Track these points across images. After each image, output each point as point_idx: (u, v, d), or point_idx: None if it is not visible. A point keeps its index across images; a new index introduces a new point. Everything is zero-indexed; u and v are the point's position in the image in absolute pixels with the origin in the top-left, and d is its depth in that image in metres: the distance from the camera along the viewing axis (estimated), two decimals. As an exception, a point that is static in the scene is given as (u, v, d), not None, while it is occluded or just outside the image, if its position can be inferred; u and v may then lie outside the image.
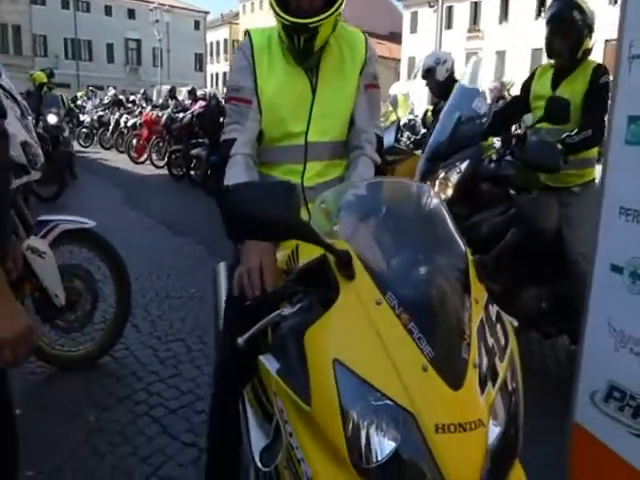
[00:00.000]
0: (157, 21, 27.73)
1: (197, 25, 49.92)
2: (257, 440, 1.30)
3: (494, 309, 1.13)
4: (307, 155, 1.63)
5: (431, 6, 33.71)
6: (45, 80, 9.67)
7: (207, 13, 53.14)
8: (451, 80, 4.17)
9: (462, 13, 35.30)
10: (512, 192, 3.04)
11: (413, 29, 38.20)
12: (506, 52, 32.07)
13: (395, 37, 43.13)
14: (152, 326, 3.49)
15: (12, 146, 2.71)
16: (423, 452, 0.91)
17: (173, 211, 7.41)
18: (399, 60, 40.69)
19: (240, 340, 1.17)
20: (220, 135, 1.69)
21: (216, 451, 1.67)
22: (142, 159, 12.16)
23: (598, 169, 2.67)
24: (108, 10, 44.69)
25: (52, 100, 9.03)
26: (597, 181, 2.97)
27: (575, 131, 2.84)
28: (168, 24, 29.91)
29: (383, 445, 0.92)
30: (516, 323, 1.20)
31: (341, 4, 1.50)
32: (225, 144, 1.62)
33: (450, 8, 35.85)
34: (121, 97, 16.76)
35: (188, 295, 4.09)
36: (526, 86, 3.25)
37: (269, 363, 1.16)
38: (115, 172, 11.18)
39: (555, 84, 3.05)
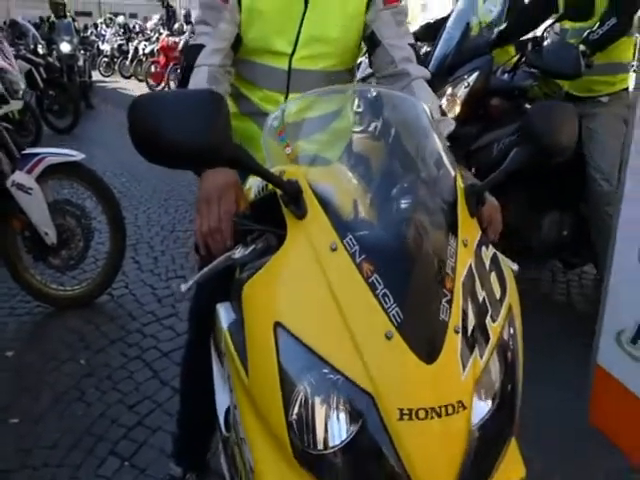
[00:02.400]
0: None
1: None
2: (221, 398, 1.13)
3: (489, 252, 0.89)
4: (290, 84, 1.34)
5: None
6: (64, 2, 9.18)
7: None
8: None
9: None
10: (528, 106, 2.71)
11: None
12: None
13: None
14: (154, 262, 3.35)
15: (-14, 73, 2.51)
16: (383, 443, 0.71)
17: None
18: None
19: (183, 287, 0.97)
20: None
21: (186, 400, 1.54)
22: (160, 86, 11.79)
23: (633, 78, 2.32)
24: None
25: (64, 28, 8.67)
26: (631, 89, 2.62)
27: (597, 25, 2.46)
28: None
29: (332, 432, 0.72)
30: (516, 267, 0.98)
31: None
32: (191, 50, 1.30)
33: None
34: (137, 22, 16.22)
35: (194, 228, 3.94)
36: None
37: (224, 313, 0.97)
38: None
39: None
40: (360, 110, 1.05)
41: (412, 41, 1.41)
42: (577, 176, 2.67)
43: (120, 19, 16.74)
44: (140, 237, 3.73)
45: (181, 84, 1.32)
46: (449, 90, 2.67)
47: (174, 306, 2.79)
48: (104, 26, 18.32)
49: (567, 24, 2.69)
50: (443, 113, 1.32)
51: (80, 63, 9.19)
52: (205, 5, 1.30)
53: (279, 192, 0.85)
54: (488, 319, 0.80)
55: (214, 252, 0.99)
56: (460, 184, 0.91)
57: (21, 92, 2.68)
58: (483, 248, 0.88)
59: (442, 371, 0.73)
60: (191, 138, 0.73)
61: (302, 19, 1.28)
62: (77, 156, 2.75)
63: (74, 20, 9.95)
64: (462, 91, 2.65)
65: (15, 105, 2.67)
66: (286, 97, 1.34)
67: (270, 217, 0.89)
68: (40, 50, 7.60)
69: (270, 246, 0.89)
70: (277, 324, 0.75)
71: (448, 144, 1.01)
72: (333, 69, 1.35)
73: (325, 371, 0.72)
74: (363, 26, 1.34)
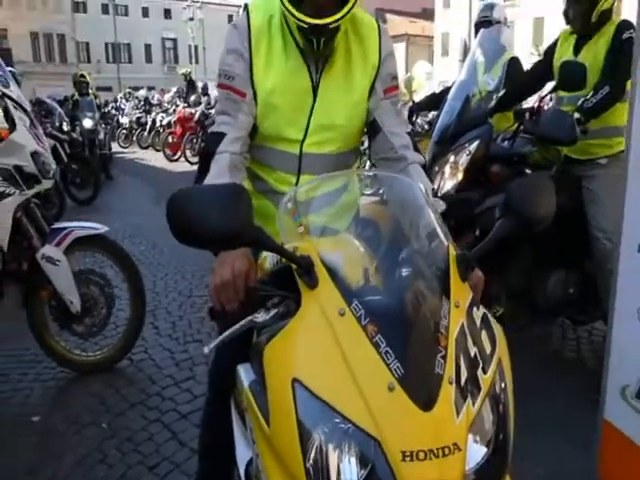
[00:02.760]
0: (191, 19, 28.01)
1: (230, 18, 50.13)
2: (242, 452, 1.22)
3: (480, 312, 1.01)
4: (301, 166, 1.48)
5: None
6: (87, 79, 9.79)
7: (239, 7, 53.39)
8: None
9: None
10: (528, 171, 2.86)
11: (446, 4, 37.55)
12: (544, 18, 30.89)
13: (428, 14, 42.46)
14: (172, 327, 3.49)
15: (22, 156, 2.75)
16: None
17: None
18: (432, 37, 39.97)
19: (206, 349, 1.08)
20: None
21: (205, 458, 1.62)
22: (176, 156, 12.36)
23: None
24: (145, 12, 45.56)
25: (87, 105, 9.24)
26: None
27: (591, 93, 2.63)
28: (202, 21, 30.18)
29: (345, 476, 0.82)
30: (499, 327, 1.08)
31: None
32: (213, 137, 1.43)
33: None
34: (155, 95, 17.08)
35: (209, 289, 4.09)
36: (549, 52, 3.06)
37: (244, 374, 1.08)
38: (150, 171, 11.40)
39: (577, 49, 2.87)
40: (364, 189, 1.20)
41: (408, 129, 1.58)
42: (581, 235, 2.79)
43: (141, 92, 17.66)
44: (158, 303, 3.89)
45: (201, 169, 1.45)
46: (452, 158, 2.82)
47: (192, 369, 2.90)
48: (124, 100, 19.31)
49: (562, 92, 2.84)
50: (435, 194, 1.48)
51: (101, 137, 9.70)
52: (225, 98, 1.44)
53: (294, 265, 0.98)
54: (479, 371, 0.91)
55: (228, 309, 1.11)
56: (452, 253, 1.03)
57: (52, 172, 2.92)
58: (474, 309, 1.00)
59: (438, 417, 0.84)
60: (220, 226, 0.88)
61: (312, 110, 1.42)
62: (101, 229, 2.95)
63: (96, 97, 10.56)
64: (464, 159, 2.79)
65: (46, 184, 2.89)
66: (298, 178, 1.48)
67: (287, 284, 1.01)
68: (65, 127, 8.07)
69: (289, 310, 1.01)
70: (295, 380, 0.86)
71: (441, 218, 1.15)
72: (340, 151, 1.49)
73: (337, 421, 0.83)
74: (366, 113, 1.49)
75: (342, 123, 1.46)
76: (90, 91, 9.70)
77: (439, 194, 2.80)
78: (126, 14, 44.65)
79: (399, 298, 0.93)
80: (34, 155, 2.80)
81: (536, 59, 3.33)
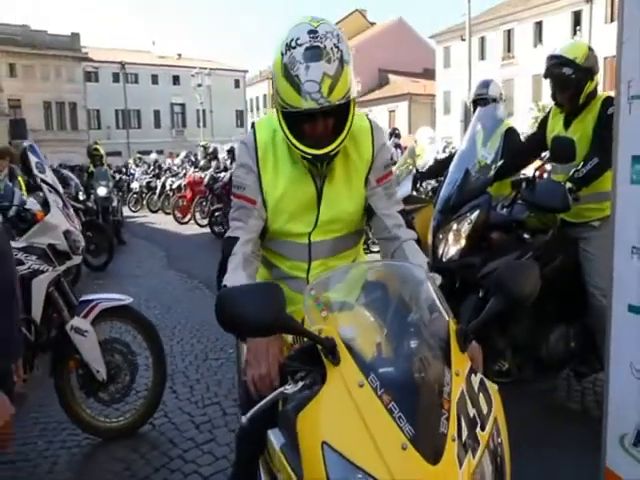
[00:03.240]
0: (199, 85, 29.24)
1: (237, 83, 52.19)
2: None
3: (477, 378, 1.19)
4: (311, 253, 1.67)
5: (463, 39, 33.99)
6: (100, 153, 10.31)
7: (246, 72, 55.56)
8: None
9: (495, 42, 35.51)
10: (526, 236, 3.07)
11: (446, 64, 38.43)
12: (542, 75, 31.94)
13: (429, 73, 43.53)
14: (190, 391, 3.64)
15: (55, 235, 3.00)
16: None
17: (214, 271, 7.67)
18: (434, 96, 41.01)
19: (244, 419, 1.24)
20: None
21: None
22: (186, 219, 12.72)
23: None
24: (154, 79, 47.56)
25: (101, 175, 9.69)
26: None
27: (582, 164, 2.88)
28: (210, 87, 31.46)
29: None
30: (496, 387, 1.24)
31: (353, 116, 1.49)
32: (228, 241, 1.64)
33: (482, 39, 36.07)
34: (167, 160, 17.71)
35: (226, 356, 4.25)
36: (543, 123, 3.35)
37: (275, 438, 1.24)
38: (161, 234, 11.71)
39: (567, 123, 3.14)
40: (373, 279, 1.37)
41: (401, 208, 1.77)
42: (580, 292, 2.98)
43: (152, 156, 18.34)
44: (175, 367, 4.05)
45: (221, 270, 1.63)
46: (454, 226, 3.02)
47: (212, 432, 3.04)
48: (133, 166, 20.00)
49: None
50: (440, 260, 1.67)
51: (114, 204, 10.09)
52: (238, 206, 1.65)
53: (319, 346, 1.17)
54: (478, 429, 1.10)
55: (263, 394, 1.26)
56: (452, 327, 1.20)
57: (81, 248, 3.16)
58: (472, 375, 1.18)
59: (445, 470, 1.01)
60: (258, 320, 1.09)
61: (318, 209, 1.62)
62: (125, 300, 3.17)
63: (110, 167, 11.06)
64: (466, 227, 2.99)
65: (76, 260, 3.12)
66: (309, 264, 1.67)
67: (312, 358, 1.20)
68: (81, 196, 8.46)
69: (315, 381, 1.18)
70: (324, 443, 1.04)
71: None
72: (345, 234, 1.70)
73: (359, 476, 1.00)
74: (364, 200, 1.69)
75: (345, 215, 1.67)
76: (103, 163, 10.19)
77: (444, 259, 3.00)
78: (136, 82, 46.62)
79: (408, 369, 1.12)
80: (66, 234, 3.05)
81: (535, 114, 3.57)
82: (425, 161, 6.27)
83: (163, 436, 3.07)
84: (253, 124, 1.74)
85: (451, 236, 3.02)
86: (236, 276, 1.53)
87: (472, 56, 33.72)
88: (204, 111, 35.05)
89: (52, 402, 3.10)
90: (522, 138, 3.92)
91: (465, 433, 1.06)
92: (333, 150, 1.48)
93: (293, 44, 1.42)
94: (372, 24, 53.55)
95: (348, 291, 1.35)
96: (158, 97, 46.94)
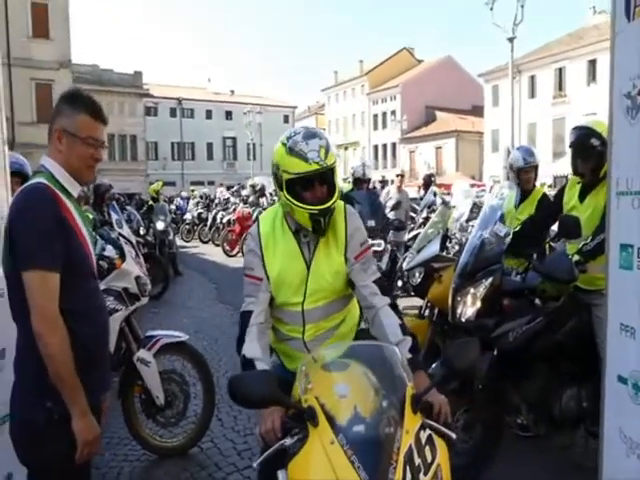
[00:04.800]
0: (250, 123, 30.57)
1: (286, 119, 53.85)
2: None
3: (426, 433, 1.49)
4: (305, 319, 2.04)
5: (513, 78, 33.68)
6: (160, 189, 11.25)
7: (295, 107, 57.22)
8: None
9: (546, 80, 35.05)
10: (538, 301, 3.38)
11: (495, 102, 37.84)
12: (597, 114, 31.32)
13: (478, 110, 42.99)
14: (234, 420, 4.10)
15: (129, 280, 3.58)
16: None
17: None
18: (482, 133, 40.56)
19: (254, 463, 1.62)
20: None
21: None
22: (234, 252, 13.41)
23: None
24: (209, 114, 49.92)
25: (160, 210, 10.51)
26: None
27: (589, 238, 3.16)
28: (260, 124, 32.79)
29: None
30: (454, 436, 1.58)
31: (336, 181, 1.97)
32: (244, 316, 2.01)
33: (533, 77, 35.81)
34: (218, 189, 18.61)
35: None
36: (559, 196, 3.65)
37: (282, 477, 1.46)
38: (211, 266, 12.42)
39: (582, 196, 3.42)
40: (350, 356, 1.69)
41: (376, 277, 2.06)
42: (593, 355, 3.18)
43: (204, 190, 19.43)
44: (221, 397, 4.49)
45: (239, 341, 1.97)
46: (471, 290, 3.33)
47: (251, 459, 3.48)
48: (179, 199, 21.09)
49: None
50: (404, 330, 1.97)
51: (170, 237, 10.86)
52: (249, 284, 2.04)
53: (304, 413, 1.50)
54: (421, 474, 1.39)
55: (270, 444, 1.60)
56: (409, 392, 1.50)
57: (148, 291, 3.72)
58: (422, 431, 1.46)
59: None
60: (258, 396, 1.48)
61: (307, 281, 2.01)
62: (183, 337, 3.69)
63: (167, 202, 11.93)
64: (481, 291, 3.29)
65: (144, 301, 3.68)
66: (303, 327, 2.04)
67: (303, 420, 1.49)
68: (141, 231, 9.22)
69: (305, 436, 1.46)
70: None
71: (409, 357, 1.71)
72: (332, 300, 2.06)
73: None
74: (345, 273, 2.05)
75: (329, 285, 2.03)
76: (161, 198, 11.06)
77: (462, 319, 3.32)
78: (192, 116, 49.04)
79: (370, 429, 1.42)
80: (137, 279, 3.62)
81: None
82: (461, 213, 6.60)
83: (209, 459, 3.53)
84: (257, 219, 2.18)
85: (468, 299, 3.33)
86: (253, 348, 1.92)
87: (522, 94, 33.59)
88: (254, 145, 36.39)
89: (117, 420, 3.61)
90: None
91: (409, 477, 1.36)
92: (331, 204, 1.92)
93: (293, 134, 1.94)
94: (420, 61, 54.20)
95: (330, 369, 1.64)
96: (211, 131, 49.26)
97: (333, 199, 1.94)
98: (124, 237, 3.69)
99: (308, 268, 2.03)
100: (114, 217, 3.65)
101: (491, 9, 11.40)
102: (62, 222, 1.76)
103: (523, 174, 4.50)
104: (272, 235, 2.06)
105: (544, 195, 4.46)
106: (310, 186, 1.91)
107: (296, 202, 1.91)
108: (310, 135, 1.92)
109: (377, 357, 1.66)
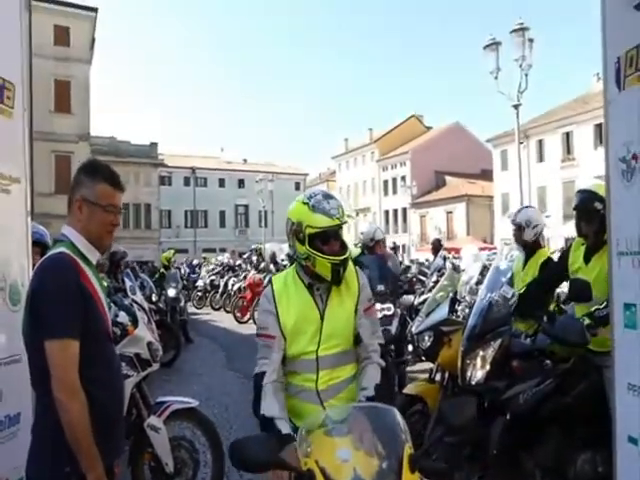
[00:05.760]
0: (262, 191, 31.31)
1: (297, 186, 55.03)
2: None
3: None
4: (319, 366, 2.15)
5: (520, 143, 33.95)
6: (172, 257, 11.48)
7: (306, 175, 58.56)
8: (537, 245, 4.49)
9: (554, 144, 35.63)
10: (548, 362, 3.35)
11: (504, 166, 38.23)
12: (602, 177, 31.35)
13: (487, 174, 43.41)
14: (243, 489, 4.02)
15: (141, 346, 3.64)
16: None
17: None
18: (492, 197, 40.88)
19: None
20: None
21: None
22: (245, 319, 13.41)
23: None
24: (222, 182, 51.34)
25: (172, 277, 10.69)
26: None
27: (604, 304, 3.13)
28: (272, 191, 33.55)
29: None
30: None
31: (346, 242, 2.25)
32: (257, 377, 2.15)
33: (540, 142, 36.48)
34: (226, 254, 18.86)
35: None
36: (564, 257, 3.69)
37: None
38: (222, 332, 12.41)
39: (587, 258, 3.45)
40: (352, 419, 1.74)
41: (381, 341, 2.29)
42: (606, 418, 3.06)
43: (219, 258, 19.70)
44: (230, 465, 4.42)
45: (256, 401, 2.10)
46: (480, 352, 3.36)
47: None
48: (186, 267, 21.36)
49: None
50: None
51: (182, 304, 10.95)
52: (262, 345, 2.18)
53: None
54: None
55: None
56: (407, 452, 1.54)
57: (159, 357, 3.77)
58: None
59: None
60: (259, 460, 1.51)
61: (321, 329, 2.15)
62: (193, 403, 3.70)
63: (179, 269, 12.13)
64: (490, 353, 3.33)
65: (155, 367, 3.73)
66: (317, 375, 2.14)
67: None
68: (153, 298, 9.32)
69: None
70: None
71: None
72: (344, 349, 2.19)
73: None
74: (354, 323, 2.22)
75: (341, 332, 2.19)
76: (173, 266, 11.27)
77: (472, 382, 3.32)
78: (205, 185, 50.42)
79: None
80: (149, 344, 3.69)
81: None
82: (470, 276, 6.63)
83: (218, 529, 3.45)
84: (270, 280, 2.36)
85: (478, 361, 3.34)
86: (270, 406, 2.04)
87: (530, 158, 33.89)
88: (266, 212, 37.04)
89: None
90: None
91: None
92: (348, 255, 2.17)
93: (313, 195, 2.20)
94: (428, 128, 55.62)
95: (331, 432, 1.69)
96: (224, 199, 50.43)
97: (347, 251, 2.19)
98: (137, 303, 3.79)
99: (322, 317, 2.17)
100: (128, 284, 3.77)
101: (496, 78, 11.82)
102: (82, 290, 1.85)
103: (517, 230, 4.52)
104: (285, 291, 2.21)
105: (548, 258, 4.52)
106: (328, 241, 2.14)
107: (320, 254, 2.12)
108: (329, 196, 2.20)
109: (376, 419, 1.70)
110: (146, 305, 3.94)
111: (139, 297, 3.84)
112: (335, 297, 2.22)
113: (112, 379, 1.97)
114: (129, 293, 3.76)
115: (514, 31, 11.52)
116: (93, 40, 29.50)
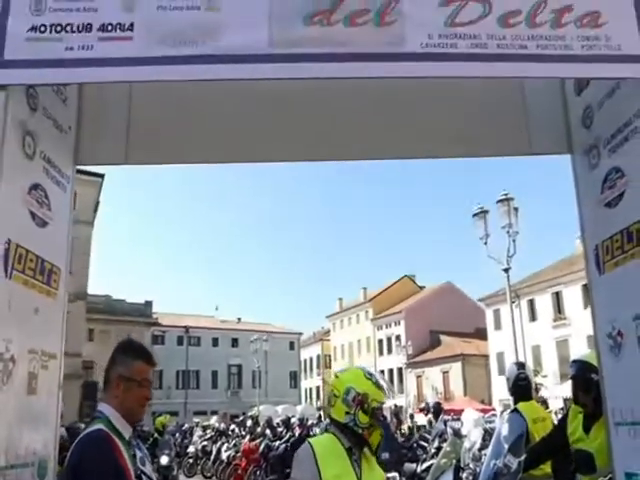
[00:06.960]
0: (256, 351, 31.08)
1: (292, 345, 54.53)
2: None
3: None
4: None
5: (512, 302, 34.00)
6: (166, 422, 11.17)
7: (300, 334, 58.22)
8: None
9: (545, 304, 36.03)
10: None
11: (497, 326, 38.18)
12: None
13: (481, 333, 43.16)
14: None
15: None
16: None
17: None
18: (488, 356, 40.39)
19: None
20: None
21: None
22: (239, 489, 12.51)
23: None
24: (215, 342, 50.90)
25: (165, 444, 10.32)
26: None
27: (609, 476, 3.07)
28: (266, 351, 33.25)
29: None
30: None
31: None
32: None
33: (531, 301, 36.82)
34: (214, 418, 17.99)
35: None
36: (561, 426, 3.68)
37: None
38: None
39: (587, 427, 3.41)
40: None
41: None
42: None
43: (212, 421, 18.84)
44: None
45: None
46: None
47: None
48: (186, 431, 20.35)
49: None
50: None
51: (174, 473, 10.41)
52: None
53: None
54: None
55: None
56: None
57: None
58: None
59: None
60: None
61: None
62: None
63: (173, 435, 11.70)
64: None
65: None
66: None
67: None
68: (147, 467, 8.88)
69: None
70: None
71: None
72: None
73: None
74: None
75: None
76: (166, 433, 10.92)
77: None
78: (198, 344, 49.92)
79: None
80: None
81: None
82: (472, 442, 6.57)
83: None
84: (308, 442, 2.43)
85: None
86: None
87: (523, 317, 33.63)
88: (260, 372, 36.28)
89: None
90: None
91: None
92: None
93: (371, 372, 2.48)
94: (421, 288, 56.60)
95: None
96: (217, 358, 49.46)
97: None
98: (146, 475, 3.74)
99: (359, 477, 2.34)
100: (138, 454, 3.75)
101: (485, 243, 12.63)
102: (118, 470, 2.01)
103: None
104: (325, 454, 2.33)
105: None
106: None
107: (380, 426, 2.38)
108: (381, 378, 2.49)
109: None
110: (155, 477, 3.88)
111: (148, 469, 3.79)
112: (365, 464, 2.40)
113: None
114: (139, 464, 3.72)
115: (500, 201, 12.52)
116: (97, 203, 31.11)
